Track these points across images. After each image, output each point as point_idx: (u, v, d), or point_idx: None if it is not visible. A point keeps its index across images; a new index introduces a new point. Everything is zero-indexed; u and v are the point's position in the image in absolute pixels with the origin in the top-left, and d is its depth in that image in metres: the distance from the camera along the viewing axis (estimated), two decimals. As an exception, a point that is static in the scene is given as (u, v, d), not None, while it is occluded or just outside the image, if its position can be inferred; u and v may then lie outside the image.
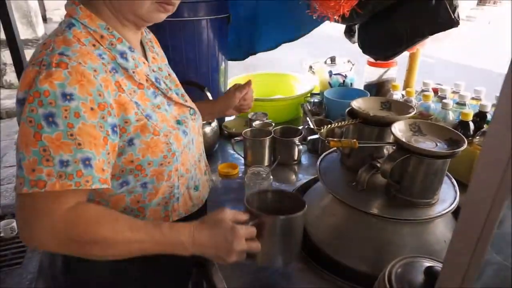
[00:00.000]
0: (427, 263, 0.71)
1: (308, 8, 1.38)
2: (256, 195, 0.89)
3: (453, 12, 1.36)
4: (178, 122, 0.86)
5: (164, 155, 0.80)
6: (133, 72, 0.77)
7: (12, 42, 1.64)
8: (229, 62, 1.77)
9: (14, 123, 4.11)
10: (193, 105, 0.97)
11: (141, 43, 0.88)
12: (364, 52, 1.59)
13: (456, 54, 7.09)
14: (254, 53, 1.81)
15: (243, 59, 1.86)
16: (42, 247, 0.68)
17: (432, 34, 1.44)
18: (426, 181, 0.93)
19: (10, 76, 4.83)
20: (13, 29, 1.60)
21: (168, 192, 0.87)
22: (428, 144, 0.93)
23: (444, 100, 1.40)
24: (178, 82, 0.97)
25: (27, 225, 0.66)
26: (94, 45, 0.73)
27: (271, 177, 1.16)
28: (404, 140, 0.92)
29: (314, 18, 1.36)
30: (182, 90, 0.97)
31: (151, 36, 0.97)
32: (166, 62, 0.99)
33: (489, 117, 1.30)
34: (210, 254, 0.75)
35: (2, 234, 2.26)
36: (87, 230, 0.66)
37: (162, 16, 0.79)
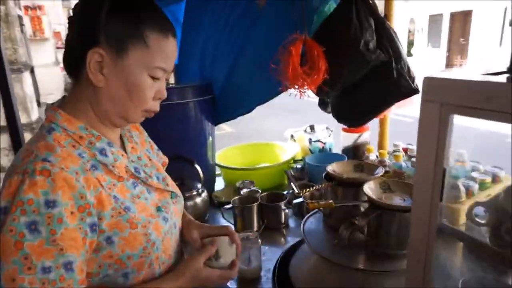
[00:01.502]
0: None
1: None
2: None
3: (412, 82, 1.56)
4: (159, 209, 0.86)
5: (143, 246, 0.80)
6: (113, 166, 0.79)
7: (13, 128, 1.76)
8: (216, 136, 1.92)
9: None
10: (174, 188, 0.98)
11: (120, 136, 0.90)
12: (338, 120, 1.76)
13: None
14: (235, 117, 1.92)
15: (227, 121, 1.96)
16: None
17: (397, 101, 1.63)
18: (400, 234, 1.02)
19: (4, 160, 4.89)
20: (15, 115, 1.74)
21: (150, 279, 0.86)
22: (396, 200, 1.04)
23: (412, 159, 1.55)
24: (159, 166, 0.98)
25: None
26: (73, 146, 0.75)
27: (260, 241, 1.22)
28: (375, 197, 1.02)
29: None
30: (163, 174, 0.97)
31: (129, 125, 0.97)
32: (147, 146, 1.01)
33: (452, 172, 1.43)
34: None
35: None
36: None
37: (142, 119, 0.85)
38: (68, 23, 0.78)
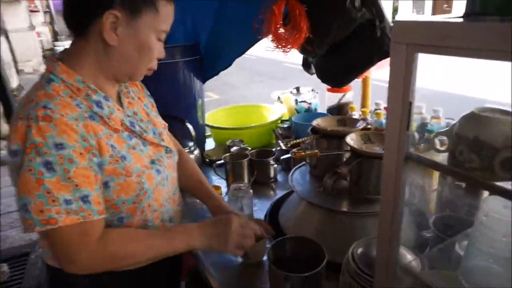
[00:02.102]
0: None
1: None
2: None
3: None
4: (153, 162, 0.93)
5: (136, 194, 0.87)
6: (108, 118, 0.85)
7: (2, 95, 1.77)
8: (208, 94, 1.95)
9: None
10: (169, 144, 1.04)
11: (118, 91, 0.96)
12: (322, 81, 1.82)
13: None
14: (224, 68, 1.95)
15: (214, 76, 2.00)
16: (87, 271, 0.82)
17: (380, 60, 1.69)
18: (378, 180, 1.12)
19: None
20: (4, 82, 1.74)
21: (143, 225, 0.92)
22: (376, 149, 1.13)
23: (393, 115, 1.64)
24: (156, 121, 1.03)
25: (70, 258, 0.79)
26: (71, 97, 0.80)
27: (251, 191, 1.31)
28: (356, 147, 1.11)
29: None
30: (160, 130, 1.02)
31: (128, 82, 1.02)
32: (145, 101, 1.06)
33: (429, 127, 1.53)
34: (213, 244, 0.93)
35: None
36: (119, 249, 0.83)
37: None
38: None
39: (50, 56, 0.86)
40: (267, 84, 8.50)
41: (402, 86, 0.53)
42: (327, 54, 1.66)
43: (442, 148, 0.55)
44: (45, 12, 13.32)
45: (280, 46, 1.39)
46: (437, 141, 0.57)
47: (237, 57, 1.80)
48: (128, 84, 1.02)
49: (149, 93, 1.13)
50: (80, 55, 0.84)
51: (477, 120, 0.50)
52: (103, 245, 0.80)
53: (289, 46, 1.38)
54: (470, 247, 0.63)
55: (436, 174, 1.12)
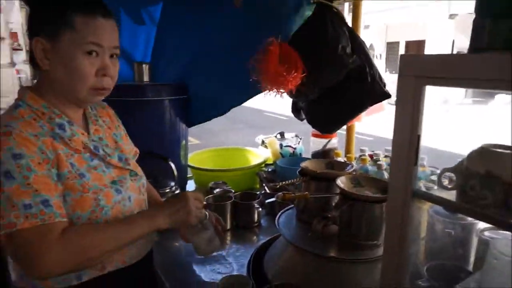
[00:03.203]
0: None
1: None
2: None
3: (384, 87, 1.67)
4: (113, 182, 0.96)
5: (92, 210, 0.89)
6: (69, 140, 0.89)
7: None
8: (189, 139, 1.92)
9: None
10: (136, 168, 1.06)
11: (86, 118, 1.01)
12: (313, 126, 1.83)
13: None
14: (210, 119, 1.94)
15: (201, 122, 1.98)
16: (52, 273, 0.79)
17: (371, 104, 1.72)
18: (370, 225, 1.08)
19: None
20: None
21: None
22: (366, 193, 1.11)
23: (378, 162, 1.64)
24: (123, 148, 1.06)
25: (33, 261, 0.76)
26: (35, 119, 0.86)
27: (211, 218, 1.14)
28: (346, 189, 1.09)
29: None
30: (127, 155, 1.05)
31: (96, 111, 1.07)
32: (116, 131, 1.09)
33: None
34: (176, 218, 0.94)
35: None
36: (80, 240, 0.81)
37: (99, 98, 0.95)
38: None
39: (21, 86, 0.92)
40: (247, 132, 8.59)
41: (410, 119, 0.52)
42: (319, 99, 1.68)
43: (450, 186, 0.53)
44: (27, 51, 13.30)
45: (276, 87, 1.40)
46: (444, 179, 0.55)
47: (235, 106, 1.80)
48: (97, 113, 1.06)
49: (121, 124, 1.16)
50: (41, 83, 0.92)
51: (489, 155, 0.49)
52: (63, 241, 0.79)
53: (285, 87, 1.39)
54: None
55: (424, 221, 1.10)
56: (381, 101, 1.61)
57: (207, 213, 1.06)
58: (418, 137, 0.53)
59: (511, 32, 0.46)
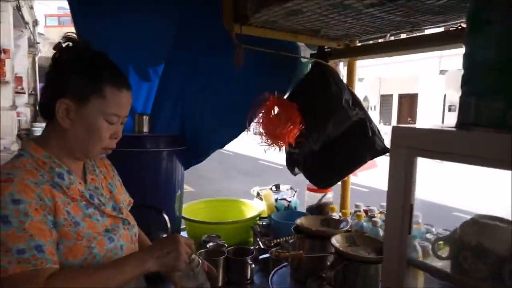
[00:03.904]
0: None
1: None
2: None
3: (383, 142, 1.70)
4: (107, 230, 0.99)
5: (84, 258, 0.91)
6: (67, 188, 0.94)
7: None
8: (184, 186, 1.92)
9: None
10: (129, 217, 1.09)
11: (84, 168, 1.06)
12: (310, 181, 1.83)
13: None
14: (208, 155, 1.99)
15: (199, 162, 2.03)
16: None
17: (371, 158, 1.73)
18: (365, 285, 1.05)
19: None
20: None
21: None
22: (362, 253, 1.09)
23: (373, 219, 1.63)
24: (117, 198, 1.10)
25: None
26: (36, 168, 0.91)
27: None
28: (342, 249, 1.07)
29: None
30: (121, 205, 1.09)
31: (94, 161, 1.12)
32: (111, 181, 1.13)
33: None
34: (164, 261, 0.93)
35: None
36: (67, 284, 0.82)
37: (104, 154, 1.02)
38: (45, 78, 0.98)
39: (25, 138, 0.95)
40: (242, 180, 8.57)
41: (402, 188, 0.53)
42: (320, 151, 1.69)
43: (444, 255, 0.53)
44: (29, 94, 13.60)
45: (274, 140, 1.42)
46: (436, 248, 0.55)
47: (225, 144, 1.85)
48: (95, 163, 1.11)
49: (117, 174, 1.21)
50: (48, 136, 0.97)
51: (479, 227, 0.50)
52: (50, 284, 0.80)
53: (283, 140, 1.41)
54: None
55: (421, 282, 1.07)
56: (381, 155, 1.63)
57: (199, 260, 1.03)
58: (411, 206, 0.54)
59: (494, 110, 0.49)
